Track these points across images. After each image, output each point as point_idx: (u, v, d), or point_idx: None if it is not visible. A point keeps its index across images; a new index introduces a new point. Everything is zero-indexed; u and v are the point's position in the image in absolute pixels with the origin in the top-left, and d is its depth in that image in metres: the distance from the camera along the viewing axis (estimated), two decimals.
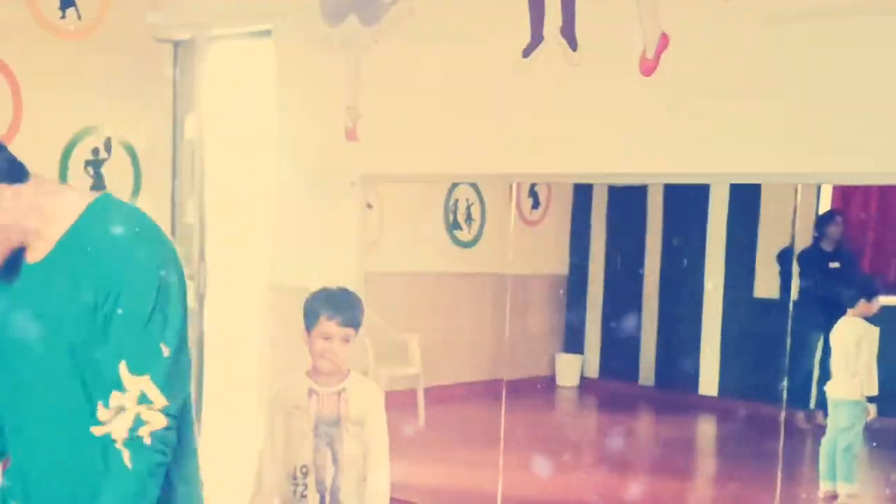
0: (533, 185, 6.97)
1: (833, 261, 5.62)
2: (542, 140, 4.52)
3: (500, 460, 5.03)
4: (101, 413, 1.79)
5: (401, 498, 5.16)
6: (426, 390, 6.50)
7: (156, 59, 6.17)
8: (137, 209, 1.92)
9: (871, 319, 5.00)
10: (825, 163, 3.81)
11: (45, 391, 1.85)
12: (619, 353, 7.47)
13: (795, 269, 5.43)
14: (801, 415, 5.38)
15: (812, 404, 5.54)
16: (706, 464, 6.90)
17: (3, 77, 5.47)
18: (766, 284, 6.33)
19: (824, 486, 5.08)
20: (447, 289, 7.19)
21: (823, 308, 5.21)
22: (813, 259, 5.59)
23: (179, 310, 1.82)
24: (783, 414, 4.38)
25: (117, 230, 1.81)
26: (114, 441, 1.77)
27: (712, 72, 4.01)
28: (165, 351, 1.79)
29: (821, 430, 5.14)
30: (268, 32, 5.64)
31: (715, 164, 4.04)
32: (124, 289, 1.77)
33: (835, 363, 5.06)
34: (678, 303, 7.20)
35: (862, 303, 5.02)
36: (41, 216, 1.83)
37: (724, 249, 6.77)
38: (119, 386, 1.77)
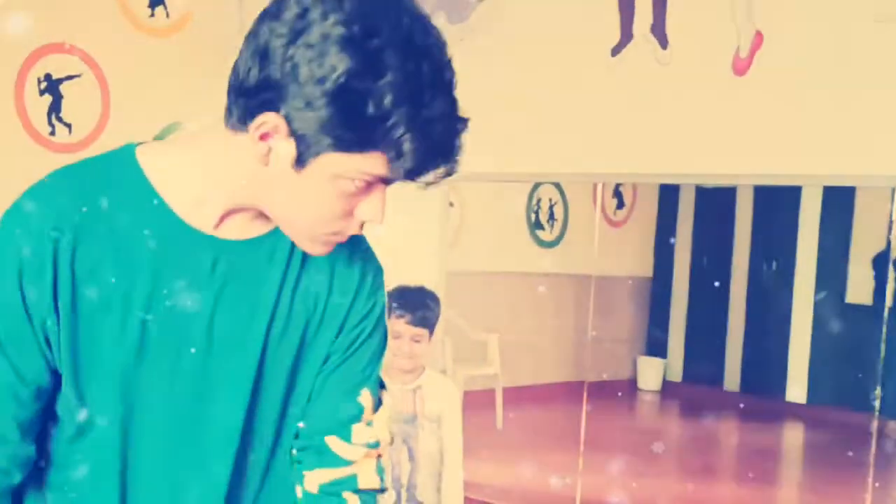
0: (618, 186, 6.91)
1: None
2: (628, 140, 4.45)
3: (580, 463, 4.97)
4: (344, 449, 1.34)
5: (478, 498, 5.15)
6: (504, 391, 6.48)
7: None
8: None
9: None
10: None
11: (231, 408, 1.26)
12: (703, 356, 7.36)
13: (892, 273, 5.28)
14: (893, 424, 5.22)
15: None
16: (792, 472, 6.74)
17: (92, 74, 5.57)
18: (858, 290, 6.17)
19: None
20: (528, 289, 7.15)
21: None
22: (887, 263, 5.45)
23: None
24: (875, 423, 4.24)
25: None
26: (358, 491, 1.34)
27: (808, 72, 3.89)
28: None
29: None
30: None
31: (808, 166, 3.94)
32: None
33: None
34: (766, 307, 7.07)
35: None
36: None
37: (815, 253, 6.63)
38: (357, 417, 1.33)
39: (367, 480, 1.34)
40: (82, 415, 1.19)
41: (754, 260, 7.11)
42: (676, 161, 4.35)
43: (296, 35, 1.08)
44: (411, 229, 5.36)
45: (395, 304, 3.15)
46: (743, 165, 4.15)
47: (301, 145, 1.12)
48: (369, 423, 1.34)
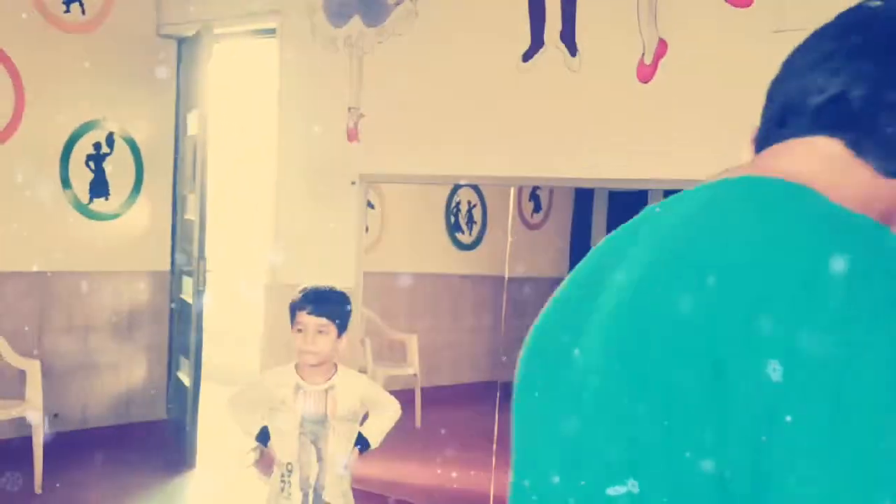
0: (535, 189, 6.99)
1: None
2: (541, 144, 4.53)
3: (493, 461, 5.05)
4: None
5: (396, 497, 5.19)
6: (424, 390, 6.52)
7: (159, 55, 6.20)
8: None
9: None
10: None
11: None
12: None
13: None
14: None
15: None
16: None
17: (6, 70, 5.49)
18: None
19: None
20: (447, 290, 7.21)
21: None
22: None
23: None
24: None
25: None
26: None
27: (711, 80, 4.01)
28: None
29: None
30: (272, 31, 5.67)
31: (712, 172, 4.04)
32: None
33: None
34: None
35: None
36: None
37: None
38: None
39: None
40: None
41: None
42: (587, 166, 4.45)
43: None
44: (330, 231, 5.39)
45: (298, 302, 3.19)
46: (650, 171, 4.26)
47: None
48: None
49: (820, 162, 0.95)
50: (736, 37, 3.91)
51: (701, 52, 4.03)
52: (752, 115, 3.57)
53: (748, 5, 3.84)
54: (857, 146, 0.93)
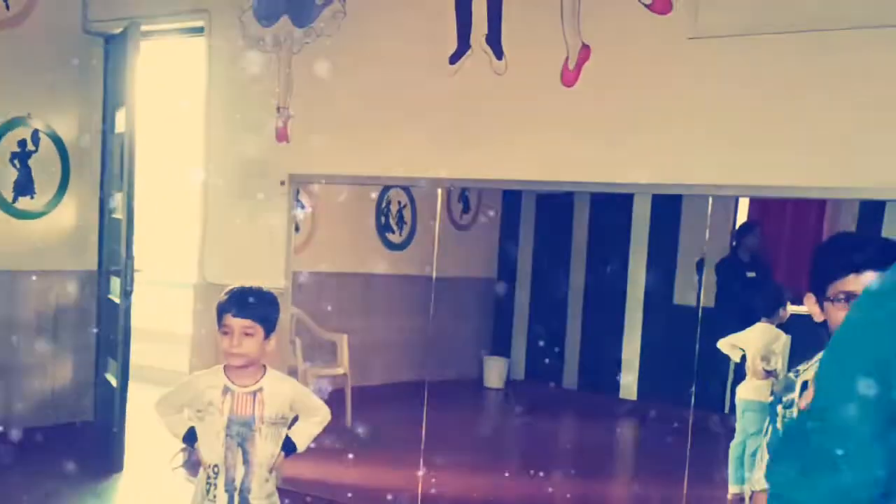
0: (464, 190, 7.05)
1: (749, 270, 5.78)
2: (468, 146, 4.58)
3: (421, 460, 5.09)
4: None
5: (325, 497, 5.21)
6: (354, 390, 6.55)
7: (87, 52, 6.14)
8: None
9: (782, 326, 5.18)
10: (742, 176, 3.92)
11: None
12: (544, 356, 7.58)
13: (707, 277, 5.57)
14: (715, 418, 5.51)
15: (727, 409, 5.69)
16: (621, 465, 7.03)
17: None
18: (685, 292, 6.47)
19: (732, 489, 5.22)
20: (378, 290, 7.24)
21: (740, 315, 5.36)
22: (730, 268, 5.73)
23: None
24: (692, 417, 4.49)
25: None
26: None
27: (632, 85, 4.11)
28: None
29: (733, 434, 5.28)
30: (200, 29, 5.65)
31: (633, 175, 4.13)
32: None
33: (748, 368, 5.21)
34: (601, 308, 7.34)
35: (776, 310, 5.18)
36: None
37: (646, 257, 6.91)
38: None
39: None
40: None
41: (590, 263, 7.38)
42: (513, 168, 4.51)
43: None
44: (260, 231, 5.39)
45: (223, 304, 3.18)
46: (573, 174, 4.34)
47: None
48: None
49: None
50: (655, 43, 4.01)
51: (622, 57, 4.12)
52: (669, 118, 3.67)
53: (667, 12, 3.95)
54: None
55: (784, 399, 2.35)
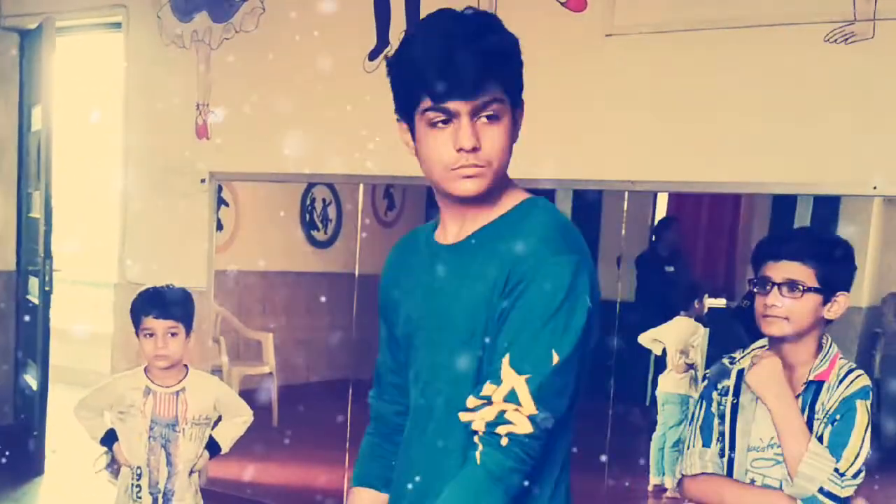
0: (388, 187, 7.06)
1: (668, 264, 5.87)
2: (389, 142, 4.56)
3: (347, 459, 5.09)
4: (471, 401, 1.67)
5: (251, 497, 5.18)
6: (280, 389, 6.52)
7: (2, 47, 6.02)
8: (566, 218, 1.84)
9: (700, 319, 5.28)
10: (657, 172, 3.99)
11: (450, 371, 1.75)
12: None
13: (624, 271, 5.63)
14: (636, 411, 5.60)
15: (648, 401, 5.78)
16: None
17: None
18: (606, 286, 6.56)
19: (654, 480, 5.32)
20: (303, 288, 7.22)
21: (659, 309, 5.45)
22: (649, 262, 5.82)
23: (582, 323, 1.65)
24: (611, 410, 4.55)
25: (543, 227, 1.73)
26: (474, 433, 1.65)
27: (549, 81, 4.13)
28: (555, 358, 1.63)
29: (654, 426, 5.37)
30: (118, 25, 5.58)
31: (552, 172, 4.17)
32: (533, 283, 1.65)
33: (668, 361, 5.30)
34: None
35: (695, 304, 5.29)
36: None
37: None
38: (496, 378, 1.64)
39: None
40: None
41: None
42: None
43: None
44: (181, 229, 5.34)
45: (141, 305, 3.16)
46: None
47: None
48: (513, 396, 1.64)
49: None
50: (570, 39, 4.05)
51: (538, 54, 4.15)
52: (585, 115, 3.70)
53: (582, 10, 3.99)
54: None
55: (719, 386, 2.41)
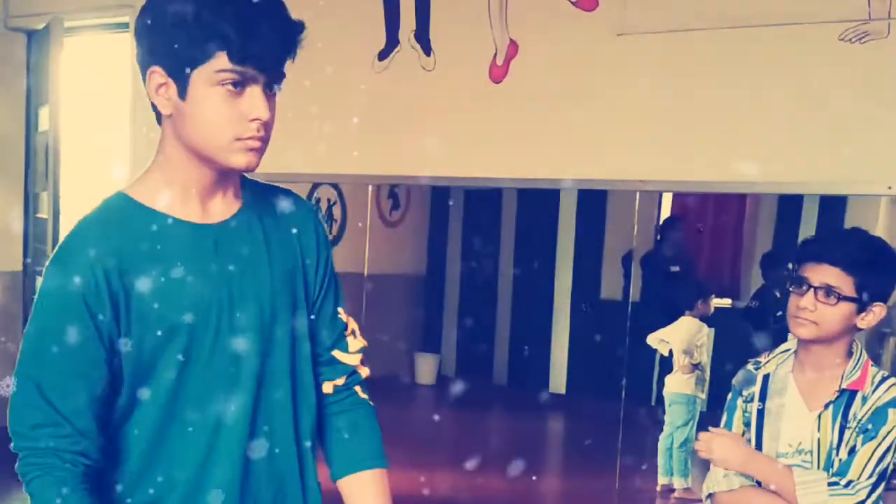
0: (393, 187, 7.07)
1: (673, 265, 5.88)
2: (397, 143, 4.59)
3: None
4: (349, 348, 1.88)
5: None
6: None
7: (8, 48, 6.02)
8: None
9: (706, 320, 5.29)
10: (666, 171, 3.99)
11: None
12: (474, 352, 7.64)
13: (635, 271, 5.66)
14: (643, 411, 5.61)
15: (654, 401, 5.79)
16: (552, 459, 7.11)
17: None
18: (611, 286, 6.57)
19: (661, 480, 5.32)
20: None
21: (664, 309, 5.46)
22: (655, 262, 5.83)
23: None
24: (622, 410, 4.56)
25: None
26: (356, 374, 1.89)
27: (560, 81, 4.16)
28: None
29: (662, 426, 5.38)
30: (125, 25, 5.58)
31: (560, 171, 4.18)
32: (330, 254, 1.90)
33: (674, 361, 5.31)
34: (530, 304, 7.41)
35: (699, 304, 5.29)
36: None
37: (572, 253, 7.00)
38: (345, 328, 1.87)
39: (365, 374, 1.91)
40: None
41: (518, 259, 7.45)
42: (442, 165, 4.53)
43: None
44: None
45: None
46: (502, 170, 4.37)
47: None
48: (354, 333, 1.86)
49: None
50: (582, 39, 4.06)
51: (549, 53, 4.17)
52: (596, 114, 3.70)
53: (593, 9, 4.01)
54: None
55: (744, 393, 2.36)
